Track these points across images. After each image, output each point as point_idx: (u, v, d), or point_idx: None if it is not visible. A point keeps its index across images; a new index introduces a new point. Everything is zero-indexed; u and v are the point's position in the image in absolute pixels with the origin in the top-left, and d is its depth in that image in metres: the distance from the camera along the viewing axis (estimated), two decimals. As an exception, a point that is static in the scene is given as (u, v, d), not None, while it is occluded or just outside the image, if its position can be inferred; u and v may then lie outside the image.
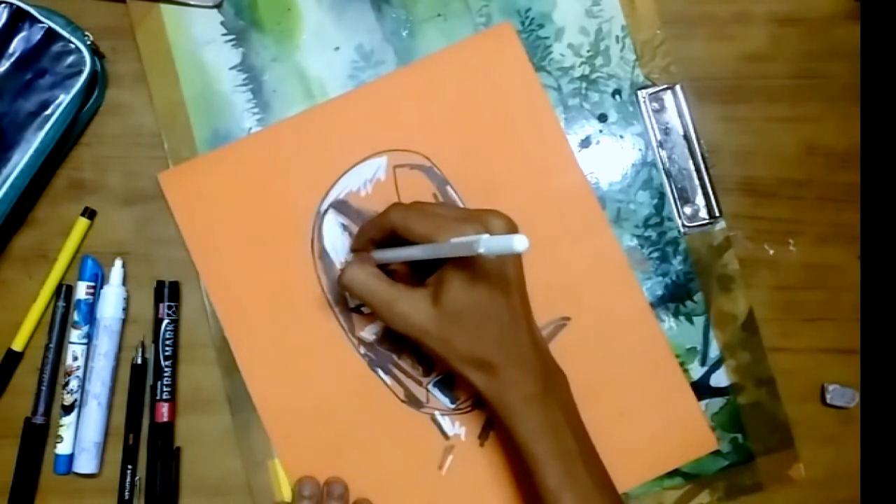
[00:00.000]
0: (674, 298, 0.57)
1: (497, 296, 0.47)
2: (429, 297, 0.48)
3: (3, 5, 0.52)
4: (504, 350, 0.48)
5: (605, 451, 0.50)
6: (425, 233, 0.46)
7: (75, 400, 0.54)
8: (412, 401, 0.55)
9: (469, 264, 0.46)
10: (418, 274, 0.51)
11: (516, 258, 0.48)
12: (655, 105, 0.57)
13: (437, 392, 0.55)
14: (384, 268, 0.51)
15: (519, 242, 0.39)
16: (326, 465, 0.54)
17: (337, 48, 0.57)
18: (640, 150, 0.58)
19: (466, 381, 0.49)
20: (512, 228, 0.47)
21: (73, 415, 0.54)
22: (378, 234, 0.50)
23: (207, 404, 0.55)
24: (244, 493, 0.55)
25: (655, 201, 0.57)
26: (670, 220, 0.57)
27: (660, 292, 0.57)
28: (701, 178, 0.57)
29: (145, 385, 0.55)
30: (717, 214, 0.57)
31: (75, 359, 0.54)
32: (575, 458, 0.48)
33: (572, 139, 0.57)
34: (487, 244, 0.40)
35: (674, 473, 0.56)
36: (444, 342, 0.48)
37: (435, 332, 0.48)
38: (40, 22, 0.52)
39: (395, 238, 0.49)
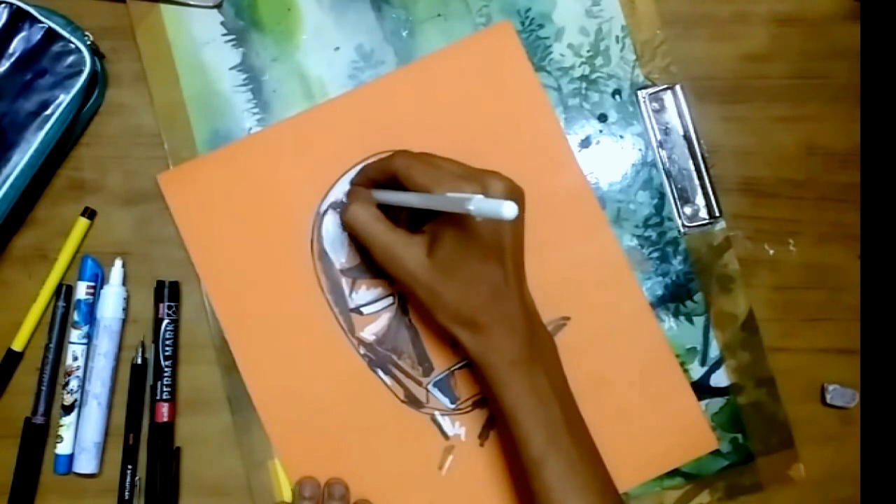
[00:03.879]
0: (674, 298, 0.57)
1: (489, 259, 0.47)
2: (424, 245, 0.48)
3: (3, 5, 0.51)
4: (492, 312, 0.48)
5: (605, 451, 0.50)
6: (424, 183, 0.46)
7: (75, 400, 0.54)
8: (412, 401, 0.55)
9: (464, 222, 0.46)
10: (422, 223, 0.50)
11: (515, 226, 0.48)
12: (655, 105, 0.57)
13: (437, 392, 0.55)
14: (390, 211, 0.51)
15: (508, 209, 0.38)
16: (326, 466, 0.54)
17: (337, 48, 0.57)
18: (640, 150, 0.57)
19: (458, 342, 0.49)
20: (512, 194, 0.46)
21: (73, 415, 0.54)
22: (380, 176, 0.50)
23: (207, 404, 0.55)
24: (244, 493, 0.55)
25: (655, 201, 0.57)
26: (670, 220, 0.57)
27: (660, 292, 0.57)
28: (701, 178, 0.57)
29: (145, 385, 0.55)
30: (717, 214, 0.57)
31: (75, 359, 0.54)
32: (559, 426, 0.48)
33: (572, 139, 0.57)
34: (478, 205, 0.40)
35: (674, 473, 0.56)
36: (434, 294, 0.48)
37: (426, 281, 0.48)
38: (40, 22, 0.52)
39: (396, 182, 0.48)
